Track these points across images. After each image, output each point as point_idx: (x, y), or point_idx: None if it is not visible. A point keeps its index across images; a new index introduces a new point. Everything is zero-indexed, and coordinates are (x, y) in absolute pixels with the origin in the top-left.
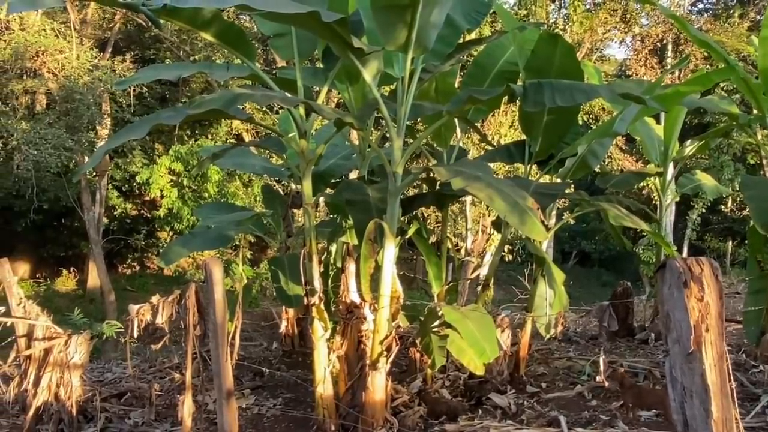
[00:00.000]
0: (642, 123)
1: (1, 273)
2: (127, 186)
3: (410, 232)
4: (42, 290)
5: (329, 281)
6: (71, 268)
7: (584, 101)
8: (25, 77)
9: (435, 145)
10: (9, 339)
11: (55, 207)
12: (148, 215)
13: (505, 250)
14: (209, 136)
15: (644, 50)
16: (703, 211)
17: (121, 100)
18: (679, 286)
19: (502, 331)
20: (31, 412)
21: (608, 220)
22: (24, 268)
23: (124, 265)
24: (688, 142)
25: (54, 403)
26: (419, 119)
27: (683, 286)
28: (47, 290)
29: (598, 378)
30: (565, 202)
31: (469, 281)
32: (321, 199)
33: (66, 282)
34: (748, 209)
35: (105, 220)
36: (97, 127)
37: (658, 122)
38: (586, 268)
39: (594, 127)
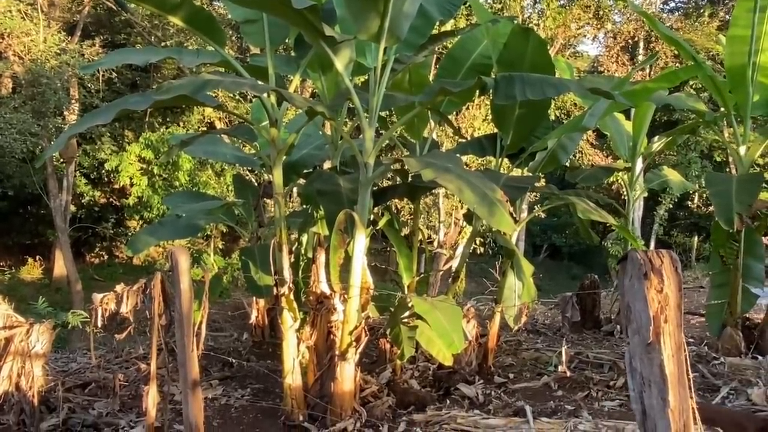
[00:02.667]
0: (612, 119)
1: None
2: (95, 173)
3: (381, 223)
4: (6, 279)
5: (300, 272)
6: (37, 257)
7: (554, 95)
8: None
9: (408, 137)
10: None
11: (21, 194)
12: (117, 203)
13: (477, 242)
14: (181, 124)
15: (616, 47)
16: (671, 206)
17: (89, 85)
18: (640, 278)
19: (468, 321)
20: None
21: (576, 214)
22: None
23: (92, 254)
24: (656, 138)
25: (15, 393)
26: (394, 111)
27: (644, 277)
28: (12, 279)
29: (560, 368)
30: (536, 196)
31: (441, 273)
32: (294, 189)
33: (31, 270)
34: (713, 205)
35: (72, 207)
36: (65, 113)
37: (627, 118)
38: (557, 261)
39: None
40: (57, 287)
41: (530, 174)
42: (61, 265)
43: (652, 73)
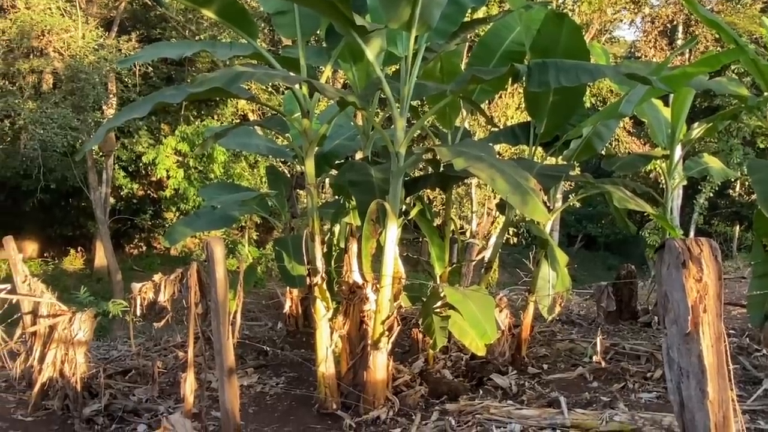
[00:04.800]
0: (649, 105)
1: (6, 251)
2: (133, 166)
3: (413, 213)
4: (50, 269)
5: (332, 262)
6: (79, 248)
7: (589, 81)
8: (31, 56)
9: (440, 126)
10: (15, 316)
11: (62, 187)
12: (155, 195)
13: (510, 232)
14: (215, 117)
15: (654, 31)
16: (711, 195)
17: (126, 80)
18: (678, 266)
19: (500, 311)
20: (36, 388)
21: (613, 203)
22: (32, 247)
23: (131, 245)
24: (696, 124)
25: (59, 379)
26: (425, 101)
27: (682, 266)
28: (55, 269)
29: (594, 359)
30: (570, 185)
31: (473, 264)
32: (326, 180)
33: (74, 261)
34: (755, 193)
35: (112, 200)
36: (103, 107)
37: (666, 105)
38: (592, 251)
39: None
40: (98, 277)
41: (565, 162)
42: (101, 256)
43: (691, 57)
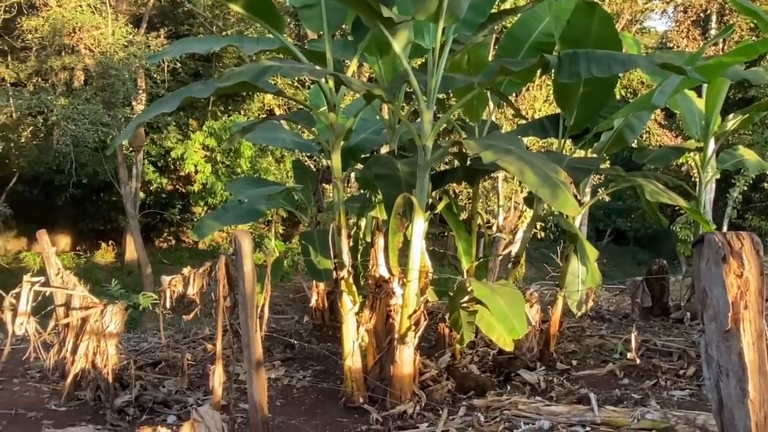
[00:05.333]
0: (682, 96)
1: (40, 244)
2: (162, 161)
3: (440, 207)
4: (82, 262)
5: (358, 256)
6: (110, 242)
7: (621, 72)
8: (63, 54)
9: (467, 119)
10: (48, 308)
11: (94, 181)
12: (183, 190)
13: (537, 227)
14: (242, 112)
15: (686, 21)
16: (745, 188)
17: (155, 76)
18: (718, 261)
19: (531, 306)
20: (69, 379)
21: (644, 196)
22: (65, 241)
23: (161, 239)
24: (731, 116)
25: (91, 370)
26: (452, 94)
27: (722, 261)
28: (87, 262)
29: (629, 355)
30: (600, 178)
31: (500, 258)
32: (352, 174)
33: (105, 255)
34: None
35: (141, 194)
36: (133, 103)
37: (699, 96)
38: (621, 246)
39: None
40: (128, 270)
41: (595, 155)
42: (132, 250)
43: (725, 48)
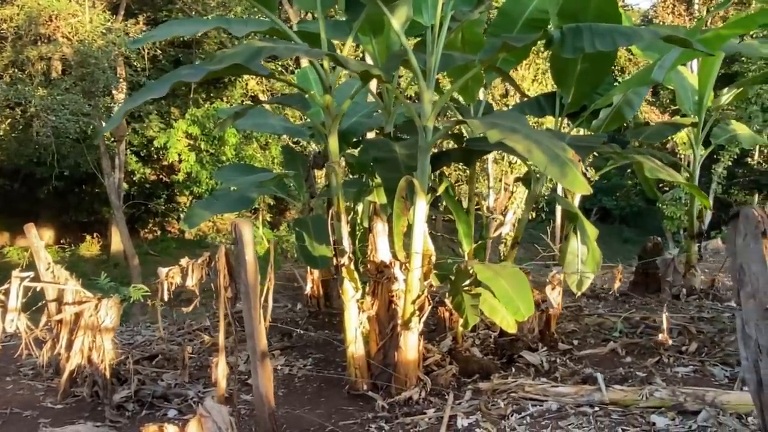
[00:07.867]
0: (675, 72)
1: (28, 238)
2: (145, 151)
3: (441, 189)
4: (67, 256)
5: (356, 241)
6: (94, 234)
7: (626, 45)
8: (39, 43)
9: (462, 99)
10: (39, 304)
11: (76, 173)
12: (167, 180)
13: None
14: (224, 99)
15: None
16: (729, 163)
17: (135, 63)
18: (756, 237)
19: (553, 289)
20: (65, 375)
21: (643, 173)
22: (48, 234)
23: (146, 230)
24: (725, 90)
25: (87, 366)
26: (446, 74)
27: (761, 236)
28: (72, 256)
29: (660, 336)
30: (594, 156)
31: (491, 240)
32: (342, 159)
33: (90, 247)
34: None
35: (125, 185)
36: (113, 92)
37: (690, 71)
38: (607, 224)
39: (621, 79)
40: (115, 262)
41: (592, 133)
42: (117, 241)
43: (711, 23)
